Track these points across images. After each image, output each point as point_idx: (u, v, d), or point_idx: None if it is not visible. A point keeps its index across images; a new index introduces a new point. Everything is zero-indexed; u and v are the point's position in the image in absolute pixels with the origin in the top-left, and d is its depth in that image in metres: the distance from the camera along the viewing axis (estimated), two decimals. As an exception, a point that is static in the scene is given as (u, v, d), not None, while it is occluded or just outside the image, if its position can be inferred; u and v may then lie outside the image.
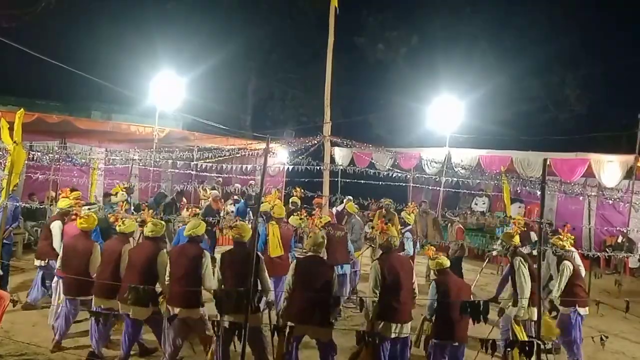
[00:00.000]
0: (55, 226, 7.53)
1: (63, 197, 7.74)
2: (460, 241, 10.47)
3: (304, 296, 5.38)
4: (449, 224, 12.88)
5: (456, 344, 5.59)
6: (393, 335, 5.51)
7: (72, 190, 8.09)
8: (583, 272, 7.00)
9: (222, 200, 13.61)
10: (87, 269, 6.31)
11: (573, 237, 6.99)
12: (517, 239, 6.66)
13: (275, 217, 7.99)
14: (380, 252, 5.98)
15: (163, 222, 6.24)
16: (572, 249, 6.91)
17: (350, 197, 11.57)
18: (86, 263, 6.33)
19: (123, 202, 8.51)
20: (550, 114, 22.47)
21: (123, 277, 5.92)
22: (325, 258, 5.66)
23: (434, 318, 5.66)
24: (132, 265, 5.87)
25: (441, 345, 5.62)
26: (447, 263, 5.88)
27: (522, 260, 6.34)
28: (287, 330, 5.20)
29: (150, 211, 7.45)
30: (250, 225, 5.98)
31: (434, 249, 6.30)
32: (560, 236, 6.87)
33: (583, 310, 6.57)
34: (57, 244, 7.37)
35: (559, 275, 6.57)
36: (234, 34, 23.15)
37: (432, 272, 6.15)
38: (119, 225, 6.37)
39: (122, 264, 6.01)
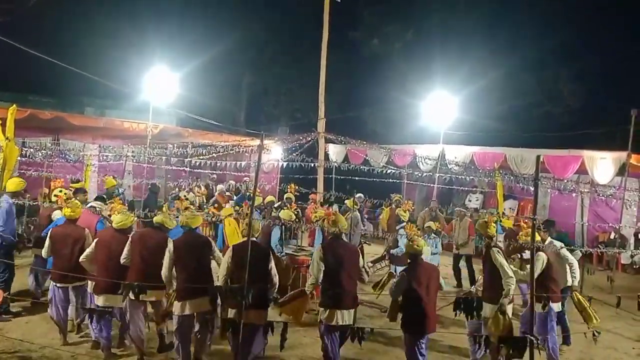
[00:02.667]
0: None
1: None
2: (473, 237, 10.33)
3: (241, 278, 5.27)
4: (458, 219, 12.43)
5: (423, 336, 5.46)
6: (339, 323, 5.49)
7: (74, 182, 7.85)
8: (575, 267, 6.72)
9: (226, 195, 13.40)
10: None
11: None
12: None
13: None
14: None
15: (131, 215, 6.17)
16: (558, 243, 6.72)
17: (362, 195, 11.68)
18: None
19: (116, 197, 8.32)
20: (544, 108, 22.51)
21: (98, 268, 5.93)
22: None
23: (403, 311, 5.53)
24: (109, 256, 5.88)
25: (411, 338, 5.49)
26: (422, 249, 5.62)
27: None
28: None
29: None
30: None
31: (416, 228, 6.10)
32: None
33: (556, 306, 6.41)
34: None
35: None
36: (228, 28, 23.04)
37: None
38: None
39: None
